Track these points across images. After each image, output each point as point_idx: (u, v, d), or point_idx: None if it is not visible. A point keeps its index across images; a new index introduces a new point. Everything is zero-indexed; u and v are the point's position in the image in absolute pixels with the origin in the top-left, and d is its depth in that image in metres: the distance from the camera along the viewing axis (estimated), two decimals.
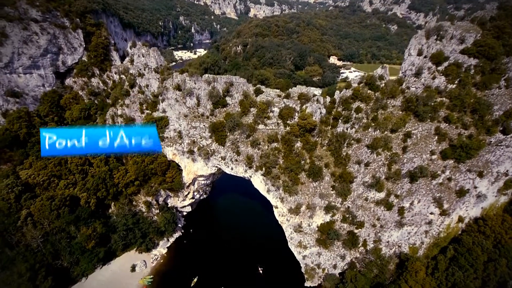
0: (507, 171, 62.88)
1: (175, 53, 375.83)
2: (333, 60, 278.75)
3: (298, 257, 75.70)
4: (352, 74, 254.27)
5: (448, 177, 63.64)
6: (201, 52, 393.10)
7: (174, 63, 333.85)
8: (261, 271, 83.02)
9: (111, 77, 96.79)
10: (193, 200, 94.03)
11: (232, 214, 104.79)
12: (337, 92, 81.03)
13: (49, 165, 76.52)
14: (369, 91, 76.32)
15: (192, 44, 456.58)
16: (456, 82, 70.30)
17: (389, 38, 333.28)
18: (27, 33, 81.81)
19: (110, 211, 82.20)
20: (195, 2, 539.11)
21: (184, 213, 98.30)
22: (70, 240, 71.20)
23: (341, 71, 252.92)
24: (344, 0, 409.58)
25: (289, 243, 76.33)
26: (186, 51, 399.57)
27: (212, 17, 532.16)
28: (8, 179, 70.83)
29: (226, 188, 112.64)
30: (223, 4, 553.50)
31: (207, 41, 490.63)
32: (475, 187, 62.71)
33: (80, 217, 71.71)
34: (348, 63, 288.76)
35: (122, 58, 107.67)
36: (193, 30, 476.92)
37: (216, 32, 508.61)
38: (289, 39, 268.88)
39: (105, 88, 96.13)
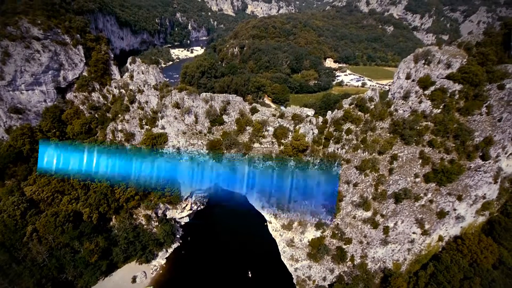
0: (484, 194, 67.55)
1: (171, 51, 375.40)
2: (329, 62, 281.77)
3: (290, 269, 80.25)
4: (348, 77, 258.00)
5: (430, 199, 68.23)
6: (198, 50, 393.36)
7: (171, 62, 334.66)
8: (250, 275, 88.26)
9: (111, 92, 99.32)
10: (191, 211, 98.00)
11: (227, 223, 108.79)
12: (329, 112, 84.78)
13: (52, 181, 79.64)
14: (359, 113, 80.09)
15: (189, 42, 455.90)
16: (441, 107, 74.18)
17: (385, 39, 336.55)
18: (29, 51, 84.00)
19: (111, 223, 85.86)
20: None
21: (182, 223, 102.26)
22: (74, 254, 74.89)
23: (336, 75, 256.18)
24: (342, 0, 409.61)
25: (282, 256, 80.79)
26: (183, 49, 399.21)
27: (209, 13, 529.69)
28: (14, 197, 74.00)
29: (223, 197, 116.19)
30: (220, 0, 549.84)
31: (204, 38, 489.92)
32: (455, 209, 67.37)
33: (83, 233, 75.32)
34: (344, 65, 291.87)
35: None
36: (189, 27, 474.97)
37: (213, 29, 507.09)
38: (286, 41, 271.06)
39: (105, 102, 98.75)
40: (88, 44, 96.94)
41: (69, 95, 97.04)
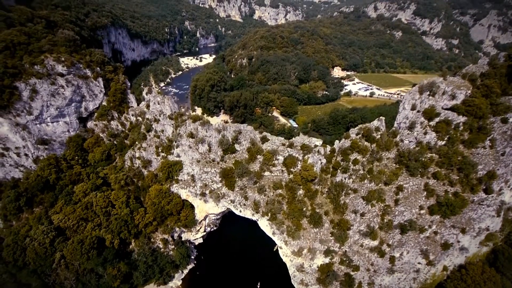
0: (488, 226, 69.98)
1: (181, 60, 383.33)
2: (337, 71, 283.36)
3: None
4: (356, 86, 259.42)
5: (434, 231, 71.02)
6: (207, 58, 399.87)
7: (180, 72, 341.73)
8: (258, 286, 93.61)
9: (128, 119, 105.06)
10: (205, 233, 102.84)
11: (239, 241, 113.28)
12: (337, 141, 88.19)
13: (77, 209, 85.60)
14: (366, 143, 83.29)
15: (197, 49, 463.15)
16: (445, 139, 76.68)
17: (393, 45, 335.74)
18: (54, 87, 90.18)
19: (130, 247, 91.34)
20: (200, 5, 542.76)
21: (196, 243, 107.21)
22: (99, 279, 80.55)
23: (344, 84, 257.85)
24: (349, 6, 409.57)
25: (292, 280, 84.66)
26: (191, 57, 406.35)
27: (217, 20, 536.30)
28: (43, 226, 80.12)
29: (235, 216, 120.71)
30: (228, 6, 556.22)
31: (212, 44, 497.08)
32: (459, 241, 69.99)
33: (106, 259, 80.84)
34: (352, 73, 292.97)
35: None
36: (198, 35, 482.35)
37: (221, 35, 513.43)
38: (294, 51, 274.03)
39: (123, 129, 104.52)
40: (107, 76, 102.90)
41: (90, 124, 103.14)
